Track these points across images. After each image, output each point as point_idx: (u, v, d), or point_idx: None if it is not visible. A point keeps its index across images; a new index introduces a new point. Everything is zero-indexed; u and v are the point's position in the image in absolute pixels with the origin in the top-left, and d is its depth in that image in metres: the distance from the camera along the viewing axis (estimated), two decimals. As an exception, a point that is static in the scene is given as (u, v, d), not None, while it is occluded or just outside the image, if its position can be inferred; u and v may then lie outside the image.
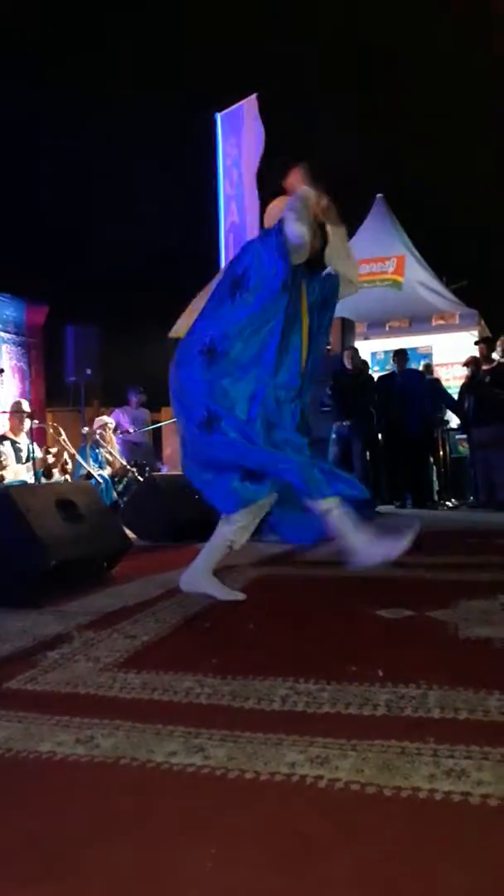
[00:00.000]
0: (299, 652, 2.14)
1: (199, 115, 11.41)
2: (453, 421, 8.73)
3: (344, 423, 7.54)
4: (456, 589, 2.88)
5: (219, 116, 10.70)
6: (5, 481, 6.59)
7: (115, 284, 17.05)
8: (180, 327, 2.91)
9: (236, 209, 10.38)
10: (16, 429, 7.31)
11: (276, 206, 2.77)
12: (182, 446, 2.84)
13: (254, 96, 10.27)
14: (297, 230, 2.55)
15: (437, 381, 8.84)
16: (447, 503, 7.99)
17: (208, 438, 2.64)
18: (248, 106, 10.32)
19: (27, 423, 7.32)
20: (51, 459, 7.72)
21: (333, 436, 7.53)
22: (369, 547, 2.51)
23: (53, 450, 8.05)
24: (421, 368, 9.26)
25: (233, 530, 2.76)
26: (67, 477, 7.70)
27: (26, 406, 7.60)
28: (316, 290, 2.80)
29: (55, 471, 7.58)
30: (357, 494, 2.56)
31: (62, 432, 7.85)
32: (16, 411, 7.51)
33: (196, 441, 2.71)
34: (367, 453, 7.86)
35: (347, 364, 7.94)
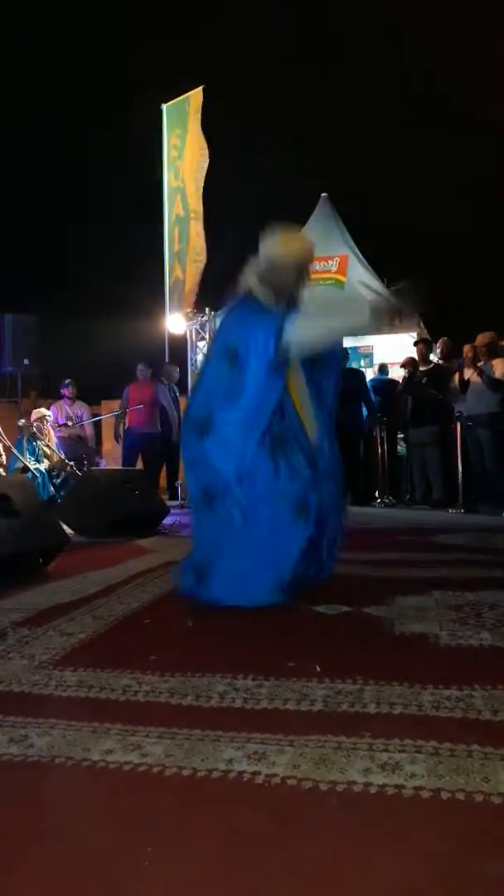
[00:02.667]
0: (238, 648, 2.14)
1: (145, 105, 11.27)
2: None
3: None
4: (392, 585, 2.94)
5: (164, 107, 10.59)
6: None
7: (56, 273, 16.73)
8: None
9: (181, 202, 10.29)
10: None
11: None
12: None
13: (199, 89, 10.20)
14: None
15: (361, 372, 8.96)
16: (384, 501, 8.14)
17: (210, 516, 2.73)
18: (194, 98, 10.25)
19: None
20: None
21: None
22: None
23: None
24: (376, 367, 9.45)
25: None
26: (0, 470, 7.51)
27: None
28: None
29: None
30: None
31: (-4, 424, 7.65)
32: None
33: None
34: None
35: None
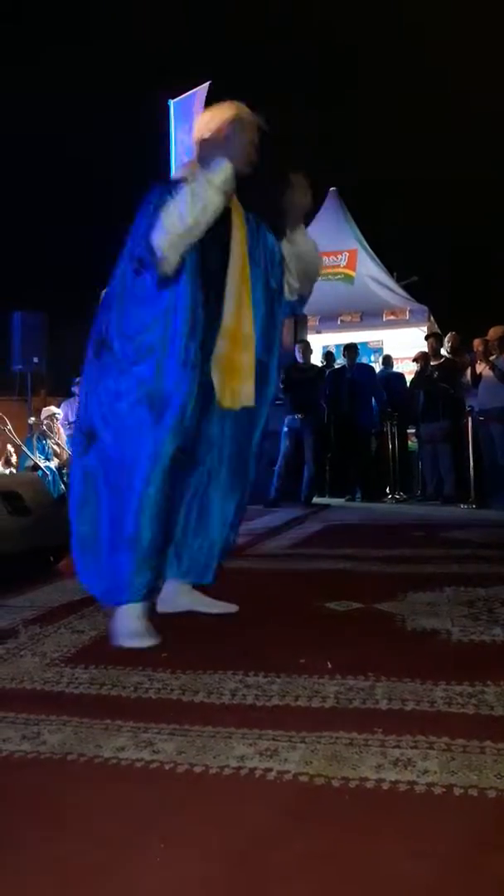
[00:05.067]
0: (249, 645, 2.14)
1: (153, 101, 11.27)
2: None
3: (296, 417, 7.58)
4: (403, 581, 2.92)
5: (172, 103, 10.59)
6: None
7: (64, 271, 16.77)
8: None
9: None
10: None
11: (205, 122, 2.29)
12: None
13: (206, 84, 10.19)
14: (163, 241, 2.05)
15: (371, 368, 8.93)
16: (395, 496, 8.12)
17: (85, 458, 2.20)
18: (201, 94, 10.24)
19: None
20: None
21: (285, 429, 7.56)
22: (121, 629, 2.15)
23: None
24: (380, 360, 9.41)
25: None
26: (13, 469, 7.55)
27: None
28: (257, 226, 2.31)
29: None
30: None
31: (7, 422, 7.69)
32: None
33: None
34: (318, 446, 7.93)
35: (299, 357, 7.98)
